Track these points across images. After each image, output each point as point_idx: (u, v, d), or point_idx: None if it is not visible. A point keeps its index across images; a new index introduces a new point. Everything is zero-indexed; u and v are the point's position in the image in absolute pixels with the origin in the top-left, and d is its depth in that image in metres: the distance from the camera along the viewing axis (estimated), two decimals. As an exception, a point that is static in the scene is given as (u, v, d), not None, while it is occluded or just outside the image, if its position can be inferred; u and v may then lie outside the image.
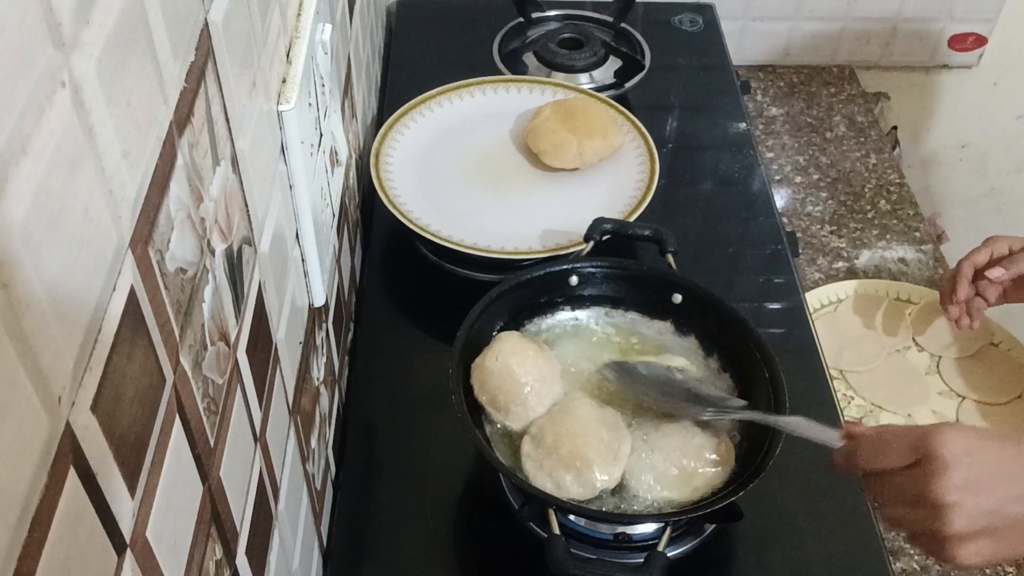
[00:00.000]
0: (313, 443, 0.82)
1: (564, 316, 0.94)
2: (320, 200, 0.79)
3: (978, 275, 1.07)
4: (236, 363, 0.56)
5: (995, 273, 1.05)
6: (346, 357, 1.03)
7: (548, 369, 0.86)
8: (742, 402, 0.84)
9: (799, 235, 1.33)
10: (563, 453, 0.79)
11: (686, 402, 0.83)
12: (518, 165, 1.18)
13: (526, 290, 0.92)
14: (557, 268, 0.93)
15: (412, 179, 1.13)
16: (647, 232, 0.98)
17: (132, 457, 0.40)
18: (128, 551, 0.40)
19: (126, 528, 0.40)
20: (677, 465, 0.81)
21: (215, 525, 0.52)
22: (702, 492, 0.80)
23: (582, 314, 0.94)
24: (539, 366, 0.85)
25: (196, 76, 0.48)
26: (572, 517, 0.83)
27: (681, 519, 0.79)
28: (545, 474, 0.80)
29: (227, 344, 0.54)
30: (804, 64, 1.66)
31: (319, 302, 0.81)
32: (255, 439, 0.61)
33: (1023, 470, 0.64)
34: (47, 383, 0.32)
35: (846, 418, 1.00)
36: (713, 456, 0.81)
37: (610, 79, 1.34)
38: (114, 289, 0.38)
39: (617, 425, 0.82)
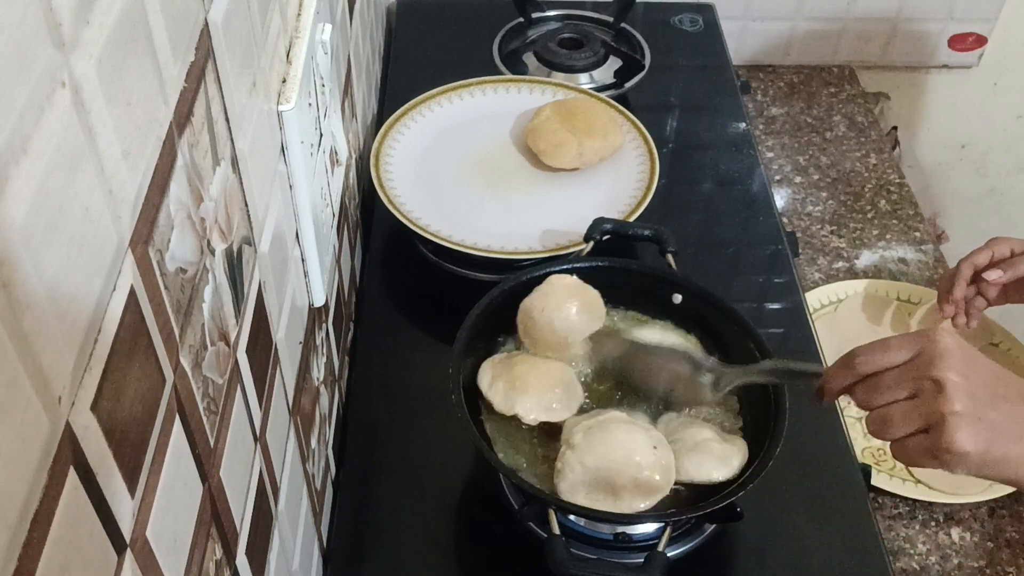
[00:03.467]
0: (313, 443, 0.82)
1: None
2: (320, 200, 0.79)
3: (977, 276, 1.07)
4: (236, 363, 0.56)
5: (993, 275, 1.05)
6: (346, 357, 1.03)
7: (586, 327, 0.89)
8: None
9: (799, 235, 1.33)
10: (617, 481, 0.78)
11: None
12: (518, 165, 1.18)
13: (526, 290, 0.92)
14: (557, 268, 0.93)
15: (412, 179, 1.13)
16: (647, 232, 0.98)
17: (132, 457, 0.40)
18: (128, 551, 0.40)
19: (126, 528, 0.40)
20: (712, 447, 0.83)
21: (215, 525, 0.52)
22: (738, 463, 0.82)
23: (582, 314, 0.94)
24: (579, 324, 0.88)
25: (196, 76, 0.48)
26: (572, 517, 0.83)
27: (681, 519, 0.79)
28: (594, 500, 0.79)
29: (227, 344, 0.54)
30: (804, 64, 1.66)
31: (319, 302, 0.81)
32: (255, 439, 0.61)
33: (1014, 377, 0.66)
34: (47, 383, 0.32)
35: (846, 417, 1.00)
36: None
37: (610, 79, 1.34)
38: (114, 289, 0.38)
39: (660, 440, 0.81)
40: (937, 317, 1.13)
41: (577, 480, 0.78)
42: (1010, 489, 1.00)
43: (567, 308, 0.87)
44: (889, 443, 0.66)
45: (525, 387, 0.84)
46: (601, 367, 0.89)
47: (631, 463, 0.78)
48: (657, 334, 0.92)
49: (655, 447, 0.80)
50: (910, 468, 1.05)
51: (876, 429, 0.66)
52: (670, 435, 0.83)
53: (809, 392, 0.73)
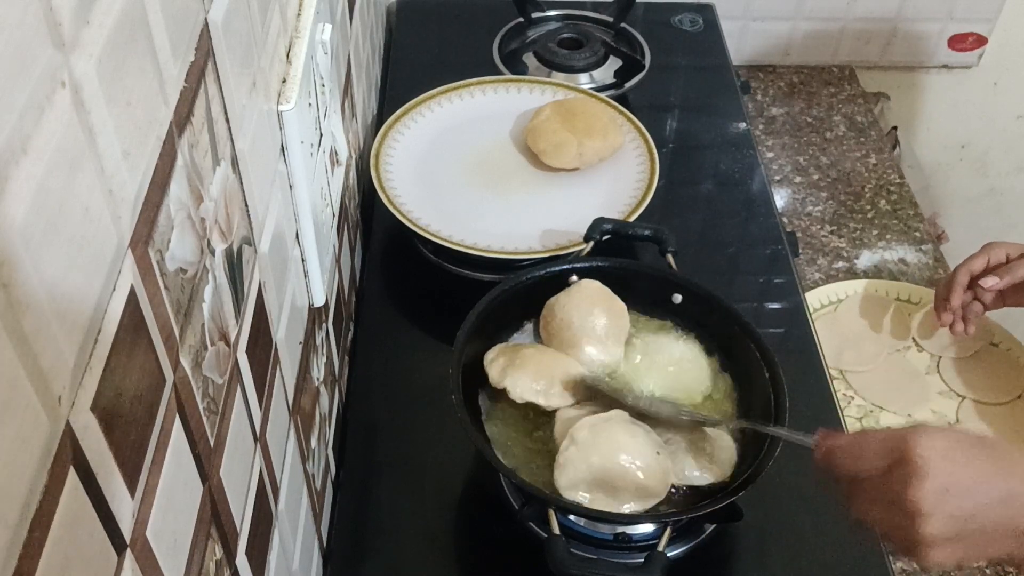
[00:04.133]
0: (313, 443, 0.82)
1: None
2: (320, 200, 0.79)
3: (974, 282, 1.07)
4: (236, 363, 0.56)
5: (989, 282, 1.05)
6: (346, 357, 1.03)
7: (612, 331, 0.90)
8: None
9: (799, 235, 1.33)
10: (618, 483, 0.79)
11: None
12: (518, 165, 1.18)
13: (526, 290, 0.92)
14: (557, 268, 0.93)
15: (412, 179, 1.13)
16: (647, 232, 0.98)
17: (132, 457, 0.40)
18: (128, 551, 0.40)
19: (126, 528, 0.40)
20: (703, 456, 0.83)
21: (215, 525, 0.52)
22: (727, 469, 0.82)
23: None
24: (597, 328, 0.89)
25: (196, 76, 0.48)
26: (572, 517, 0.83)
27: (681, 519, 0.79)
28: (592, 499, 0.80)
29: (227, 344, 0.54)
30: (804, 64, 1.66)
31: (319, 302, 0.81)
32: (255, 439, 0.61)
33: (998, 475, 0.64)
34: (47, 383, 0.32)
35: (846, 417, 1.00)
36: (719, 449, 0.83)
37: (610, 79, 1.34)
38: (114, 289, 0.38)
39: (661, 445, 0.82)
40: (935, 322, 1.14)
41: (578, 477, 0.78)
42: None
43: (587, 310, 0.89)
44: None
45: (523, 366, 0.85)
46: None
47: (634, 466, 0.78)
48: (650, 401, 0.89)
49: (658, 452, 0.80)
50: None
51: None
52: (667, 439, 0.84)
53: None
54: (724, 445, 0.83)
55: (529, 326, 0.93)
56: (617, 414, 0.81)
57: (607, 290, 0.92)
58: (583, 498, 0.78)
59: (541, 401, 0.85)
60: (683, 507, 0.80)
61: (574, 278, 0.93)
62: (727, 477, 0.81)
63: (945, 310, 1.09)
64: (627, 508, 0.79)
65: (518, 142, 1.20)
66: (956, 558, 0.64)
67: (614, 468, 0.78)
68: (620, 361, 0.90)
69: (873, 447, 0.66)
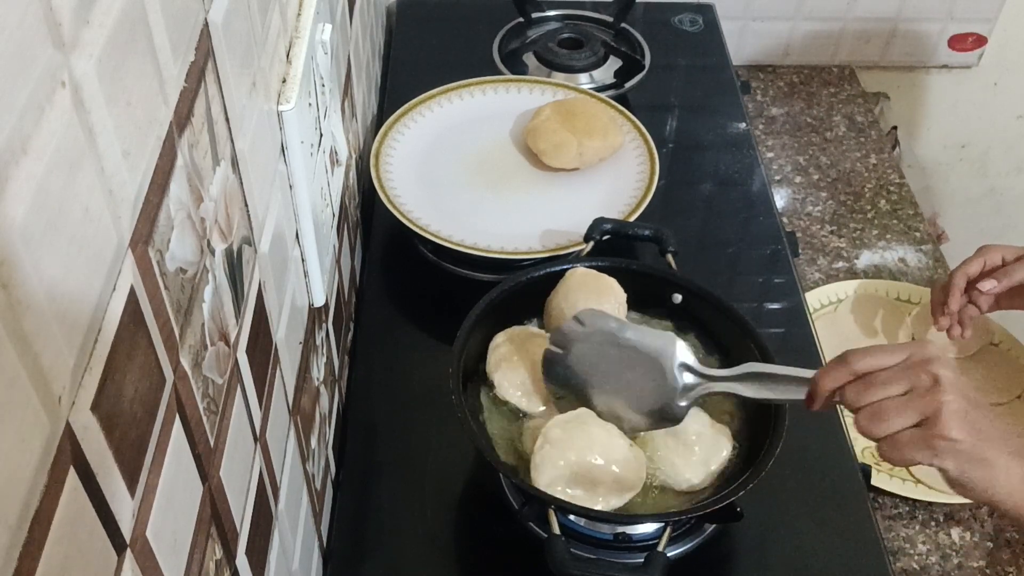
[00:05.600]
0: (313, 443, 0.82)
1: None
2: (320, 200, 0.79)
3: (970, 285, 1.07)
4: (236, 363, 0.56)
5: (987, 285, 1.05)
6: (346, 357, 1.03)
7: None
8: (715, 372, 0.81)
9: (799, 235, 1.33)
10: (597, 477, 0.79)
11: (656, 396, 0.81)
12: (518, 165, 1.18)
13: (526, 290, 0.92)
14: (557, 268, 0.93)
15: (412, 179, 1.13)
16: (647, 232, 0.98)
17: (132, 457, 0.40)
18: (128, 551, 0.40)
19: (126, 528, 0.40)
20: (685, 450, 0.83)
21: (215, 525, 0.52)
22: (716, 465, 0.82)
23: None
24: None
25: (196, 76, 0.48)
26: (572, 517, 0.83)
27: (681, 519, 0.79)
28: (572, 495, 0.80)
29: (227, 344, 0.54)
30: (804, 64, 1.66)
31: (319, 302, 0.81)
32: (255, 439, 0.61)
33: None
34: (47, 383, 0.32)
35: (846, 417, 1.00)
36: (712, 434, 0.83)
37: (610, 79, 1.34)
38: (114, 289, 0.38)
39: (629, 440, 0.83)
40: (930, 322, 1.13)
41: (556, 475, 0.79)
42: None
43: (576, 297, 0.89)
44: (878, 441, 0.66)
45: (520, 363, 0.86)
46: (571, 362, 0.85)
47: (611, 460, 0.79)
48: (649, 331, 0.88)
49: (630, 445, 0.81)
50: (910, 468, 1.05)
51: (867, 424, 0.66)
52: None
53: (794, 404, 0.73)
54: (718, 448, 0.83)
55: (529, 326, 0.93)
56: (585, 411, 0.82)
57: (592, 272, 0.91)
58: (563, 494, 0.79)
59: (522, 405, 0.85)
60: (683, 507, 0.80)
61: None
62: (707, 483, 0.82)
63: (942, 314, 1.09)
64: (606, 502, 0.79)
65: (518, 142, 1.20)
66: (972, 436, 0.63)
67: (590, 463, 0.79)
68: None
69: (890, 346, 0.69)
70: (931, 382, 0.65)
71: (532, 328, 0.92)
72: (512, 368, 0.86)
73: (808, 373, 0.72)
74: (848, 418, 1.06)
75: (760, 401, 0.78)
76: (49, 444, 0.33)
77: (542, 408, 0.86)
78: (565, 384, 0.84)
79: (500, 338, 0.89)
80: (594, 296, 0.89)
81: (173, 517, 0.45)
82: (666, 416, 0.80)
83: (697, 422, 0.84)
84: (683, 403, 0.79)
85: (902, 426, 0.65)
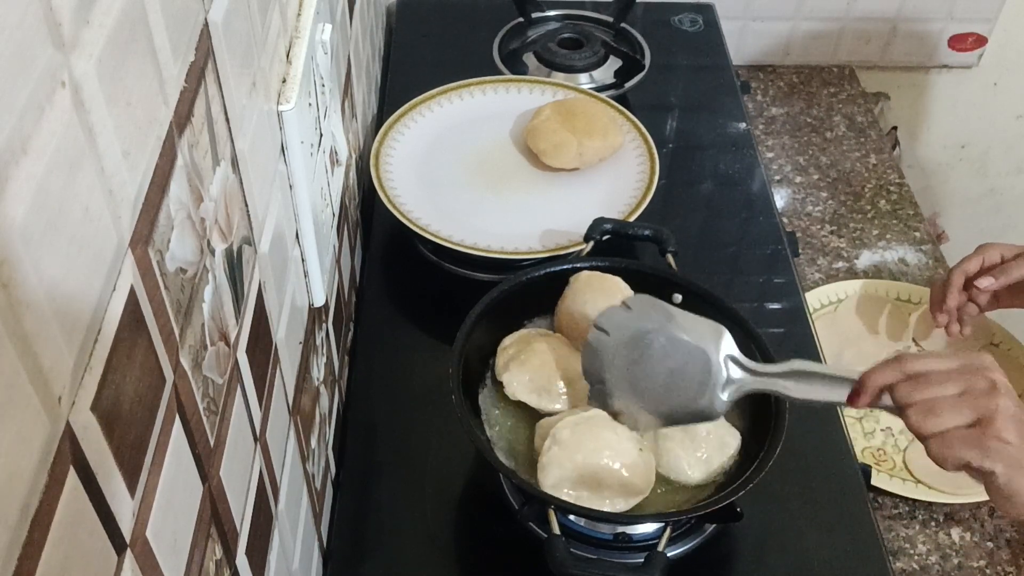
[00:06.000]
0: (313, 443, 0.82)
1: (564, 316, 0.94)
2: (320, 200, 0.79)
3: (969, 283, 1.07)
4: (236, 363, 0.56)
5: (984, 283, 1.05)
6: (346, 357, 1.03)
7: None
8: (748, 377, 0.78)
9: (799, 235, 1.33)
10: (603, 480, 0.79)
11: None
12: (518, 165, 1.18)
13: (526, 290, 0.92)
14: (557, 268, 0.93)
15: (412, 179, 1.13)
16: (647, 232, 0.98)
17: (132, 457, 0.40)
18: (128, 551, 0.40)
19: (126, 528, 0.40)
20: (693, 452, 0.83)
21: (215, 525, 0.52)
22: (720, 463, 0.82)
23: (582, 314, 0.94)
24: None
25: (196, 76, 0.48)
26: (572, 517, 0.83)
27: (681, 519, 0.79)
28: (577, 497, 0.80)
29: (227, 344, 0.54)
30: (804, 64, 1.66)
31: (319, 302, 0.81)
32: (255, 439, 0.61)
33: None
34: (47, 383, 0.32)
35: (846, 417, 1.00)
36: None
37: (610, 79, 1.34)
38: (114, 289, 0.38)
39: (642, 443, 0.82)
40: (931, 322, 1.13)
41: (563, 476, 0.79)
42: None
43: (583, 300, 0.89)
44: (927, 439, 0.65)
45: (527, 362, 0.85)
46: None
47: (618, 464, 0.79)
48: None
49: (640, 449, 0.80)
50: (910, 468, 1.05)
51: (919, 420, 0.65)
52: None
53: (827, 408, 0.73)
54: (725, 443, 0.83)
55: (530, 326, 0.93)
56: (598, 413, 0.81)
57: (596, 274, 0.92)
58: (568, 496, 0.78)
59: (533, 402, 0.85)
60: (683, 507, 0.80)
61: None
62: (710, 480, 0.82)
63: (941, 311, 1.09)
64: (612, 505, 0.79)
65: (518, 142, 1.20)
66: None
67: (598, 466, 0.78)
68: None
69: (944, 355, 0.69)
70: (987, 386, 0.65)
71: (537, 330, 0.92)
72: (521, 367, 0.86)
73: (856, 373, 0.70)
74: (848, 418, 1.06)
75: (802, 402, 0.74)
76: (49, 444, 0.33)
77: (556, 406, 0.85)
78: (602, 372, 0.80)
79: (507, 341, 0.89)
80: (602, 296, 0.89)
81: (173, 517, 0.45)
82: (703, 410, 0.76)
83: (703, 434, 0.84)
84: (724, 397, 0.75)
85: (956, 423, 0.64)
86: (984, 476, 0.63)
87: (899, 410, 0.67)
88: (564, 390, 0.86)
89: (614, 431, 0.80)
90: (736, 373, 0.76)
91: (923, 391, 0.66)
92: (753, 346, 0.86)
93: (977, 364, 0.67)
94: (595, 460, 0.78)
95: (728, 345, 0.76)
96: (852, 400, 0.70)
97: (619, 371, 0.80)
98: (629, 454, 0.79)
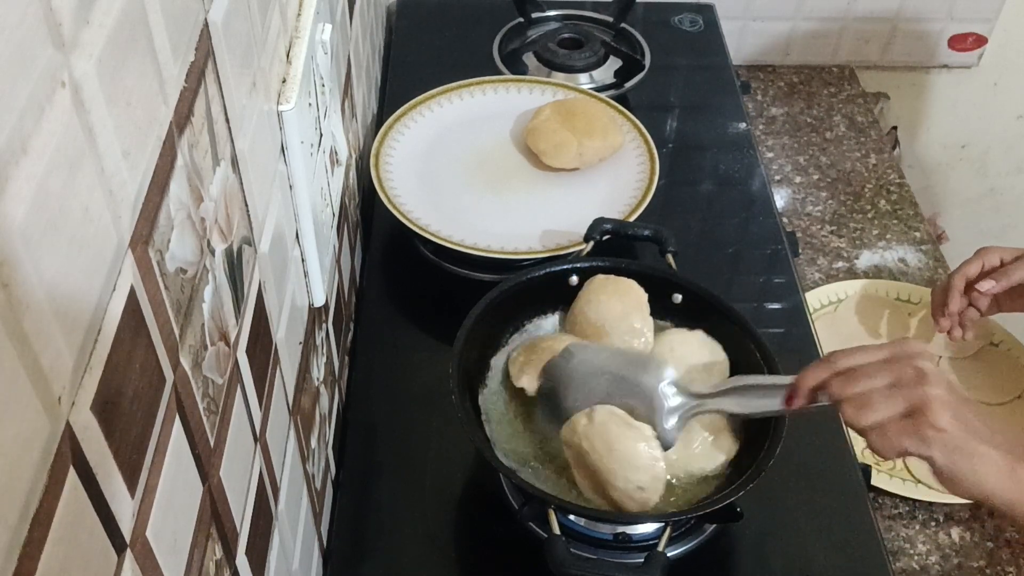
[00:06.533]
0: (313, 443, 0.82)
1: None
2: (320, 200, 0.79)
3: (969, 287, 1.07)
4: (236, 363, 0.56)
5: (985, 286, 1.05)
6: (346, 357, 1.03)
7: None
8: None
9: (799, 235, 1.33)
10: (618, 485, 0.78)
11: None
12: (518, 165, 1.18)
13: (526, 290, 0.92)
14: (557, 268, 0.93)
15: (412, 179, 1.13)
16: (647, 232, 0.98)
17: (132, 457, 0.40)
18: (128, 551, 0.40)
19: (126, 528, 0.40)
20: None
21: (215, 525, 0.52)
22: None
23: (582, 314, 0.94)
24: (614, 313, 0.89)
25: (196, 76, 0.48)
26: (572, 517, 0.83)
27: (681, 519, 0.79)
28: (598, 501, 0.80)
29: (227, 344, 0.54)
30: (804, 64, 1.66)
31: (319, 302, 0.81)
32: (255, 439, 0.61)
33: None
34: (47, 383, 0.32)
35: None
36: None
37: (610, 79, 1.34)
38: (114, 289, 0.38)
39: (658, 448, 0.80)
40: (932, 326, 1.13)
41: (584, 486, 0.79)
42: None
43: (599, 296, 0.90)
44: (865, 432, 0.67)
45: (538, 362, 0.85)
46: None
47: (633, 477, 0.77)
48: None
49: (656, 459, 0.78)
50: (909, 467, 1.05)
51: (854, 413, 0.67)
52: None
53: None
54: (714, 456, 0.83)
55: (529, 326, 0.93)
56: (614, 411, 0.80)
57: (611, 277, 0.92)
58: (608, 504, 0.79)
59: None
60: (683, 507, 0.80)
61: (574, 279, 0.93)
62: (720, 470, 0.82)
63: (943, 316, 1.09)
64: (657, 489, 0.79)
65: (518, 142, 1.20)
66: (959, 428, 0.64)
67: (612, 472, 0.77)
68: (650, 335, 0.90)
69: (874, 346, 0.70)
70: (916, 375, 0.66)
71: (540, 336, 0.92)
72: (533, 368, 0.86)
73: (790, 378, 0.73)
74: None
75: (748, 416, 0.79)
76: (49, 444, 0.33)
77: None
78: (560, 420, 0.82)
79: (515, 353, 0.90)
80: (616, 298, 0.89)
81: (173, 517, 0.45)
82: (661, 438, 0.78)
83: (701, 428, 0.84)
84: (669, 425, 0.79)
85: (889, 414, 0.66)
86: (926, 461, 0.66)
87: (835, 406, 0.69)
88: None
89: (633, 440, 0.77)
90: (675, 400, 0.79)
91: (854, 385, 0.68)
92: (753, 346, 0.86)
93: (905, 352, 0.68)
94: (608, 467, 0.77)
95: (668, 373, 0.79)
96: (788, 402, 0.73)
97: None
98: (646, 470, 0.77)
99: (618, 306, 0.89)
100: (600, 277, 0.92)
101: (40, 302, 0.32)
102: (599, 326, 0.89)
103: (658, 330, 0.92)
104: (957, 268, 1.08)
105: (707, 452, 0.83)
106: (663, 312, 0.93)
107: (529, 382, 0.86)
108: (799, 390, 0.72)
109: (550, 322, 0.94)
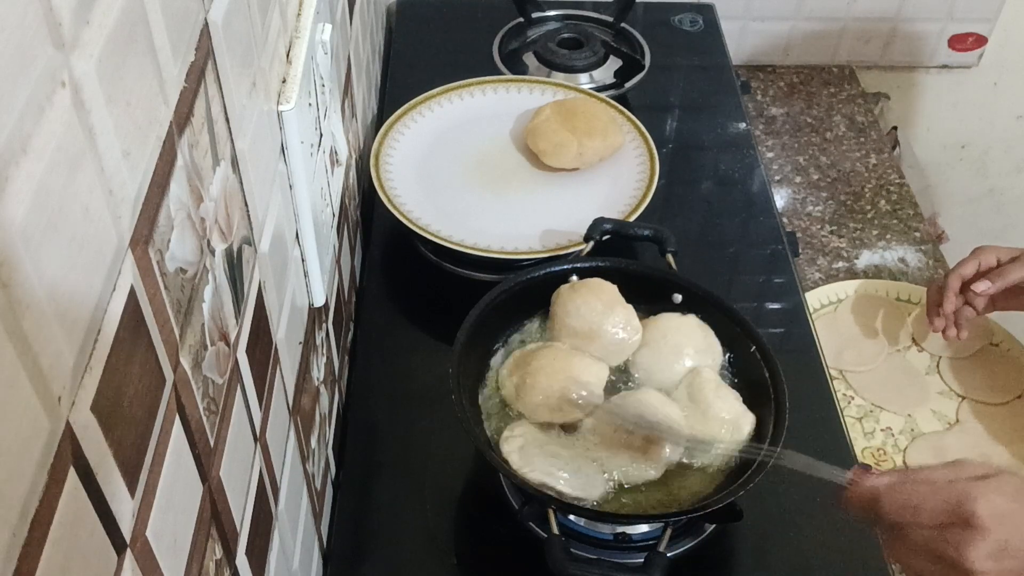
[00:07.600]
0: (313, 443, 0.82)
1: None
2: (320, 200, 0.79)
3: (965, 287, 1.07)
4: (236, 363, 0.56)
5: (982, 287, 1.05)
6: (346, 357, 1.03)
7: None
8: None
9: (799, 235, 1.33)
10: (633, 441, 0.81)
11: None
12: (518, 165, 1.18)
13: (526, 290, 0.92)
14: (557, 268, 0.93)
15: (412, 179, 1.13)
16: (647, 232, 0.98)
17: (132, 457, 0.40)
18: (128, 551, 0.40)
19: (126, 528, 0.40)
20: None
21: (215, 525, 0.52)
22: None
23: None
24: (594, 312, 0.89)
25: (196, 76, 0.48)
26: (572, 517, 0.83)
27: (681, 519, 0.79)
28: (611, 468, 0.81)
29: (227, 344, 0.54)
30: (804, 64, 1.66)
31: (319, 302, 0.81)
32: (255, 439, 0.61)
33: None
34: (47, 383, 0.32)
35: (846, 417, 1.00)
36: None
37: (610, 79, 1.34)
38: (114, 289, 0.38)
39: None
40: (927, 328, 1.13)
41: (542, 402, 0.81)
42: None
43: (576, 305, 0.89)
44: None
45: (533, 386, 0.84)
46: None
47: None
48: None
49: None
50: (909, 468, 1.04)
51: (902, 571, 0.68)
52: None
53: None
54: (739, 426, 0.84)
55: (529, 326, 0.93)
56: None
57: (574, 283, 0.91)
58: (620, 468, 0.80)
59: (558, 419, 0.84)
60: (683, 507, 0.80)
61: (574, 278, 0.93)
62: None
63: (937, 315, 1.09)
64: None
65: (518, 142, 1.20)
66: None
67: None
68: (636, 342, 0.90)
69: (931, 504, 0.64)
70: (958, 574, 0.62)
71: (529, 348, 0.90)
72: (531, 391, 0.84)
73: (840, 479, 0.70)
74: (848, 418, 1.07)
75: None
76: (49, 444, 0.33)
77: (578, 413, 0.84)
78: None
79: (504, 371, 0.88)
80: (593, 296, 0.89)
81: (173, 517, 0.45)
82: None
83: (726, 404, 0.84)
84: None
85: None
86: None
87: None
88: (582, 394, 0.85)
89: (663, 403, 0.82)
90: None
91: (902, 551, 0.66)
92: (753, 347, 0.86)
93: (956, 537, 0.62)
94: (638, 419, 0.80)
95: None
96: (839, 504, 0.70)
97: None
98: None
99: (598, 304, 0.88)
100: (564, 288, 0.91)
101: (40, 302, 0.32)
102: (587, 331, 0.88)
103: (652, 320, 0.92)
104: (953, 268, 1.09)
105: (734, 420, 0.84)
106: (663, 312, 0.93)
107: (525, 406, 0.84)
108: (848, 508, 0.69)
109: (539, 326, 0.94)
